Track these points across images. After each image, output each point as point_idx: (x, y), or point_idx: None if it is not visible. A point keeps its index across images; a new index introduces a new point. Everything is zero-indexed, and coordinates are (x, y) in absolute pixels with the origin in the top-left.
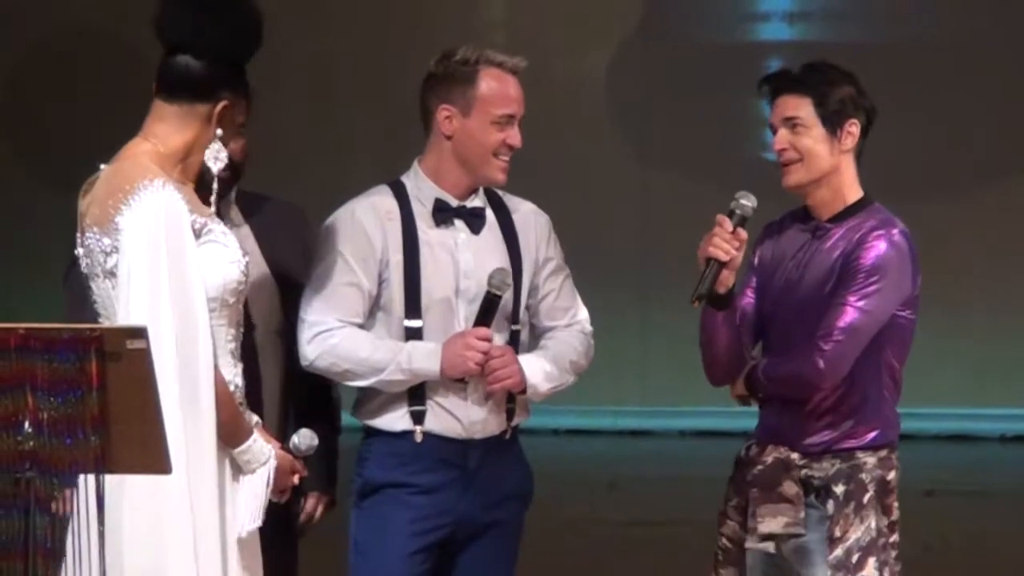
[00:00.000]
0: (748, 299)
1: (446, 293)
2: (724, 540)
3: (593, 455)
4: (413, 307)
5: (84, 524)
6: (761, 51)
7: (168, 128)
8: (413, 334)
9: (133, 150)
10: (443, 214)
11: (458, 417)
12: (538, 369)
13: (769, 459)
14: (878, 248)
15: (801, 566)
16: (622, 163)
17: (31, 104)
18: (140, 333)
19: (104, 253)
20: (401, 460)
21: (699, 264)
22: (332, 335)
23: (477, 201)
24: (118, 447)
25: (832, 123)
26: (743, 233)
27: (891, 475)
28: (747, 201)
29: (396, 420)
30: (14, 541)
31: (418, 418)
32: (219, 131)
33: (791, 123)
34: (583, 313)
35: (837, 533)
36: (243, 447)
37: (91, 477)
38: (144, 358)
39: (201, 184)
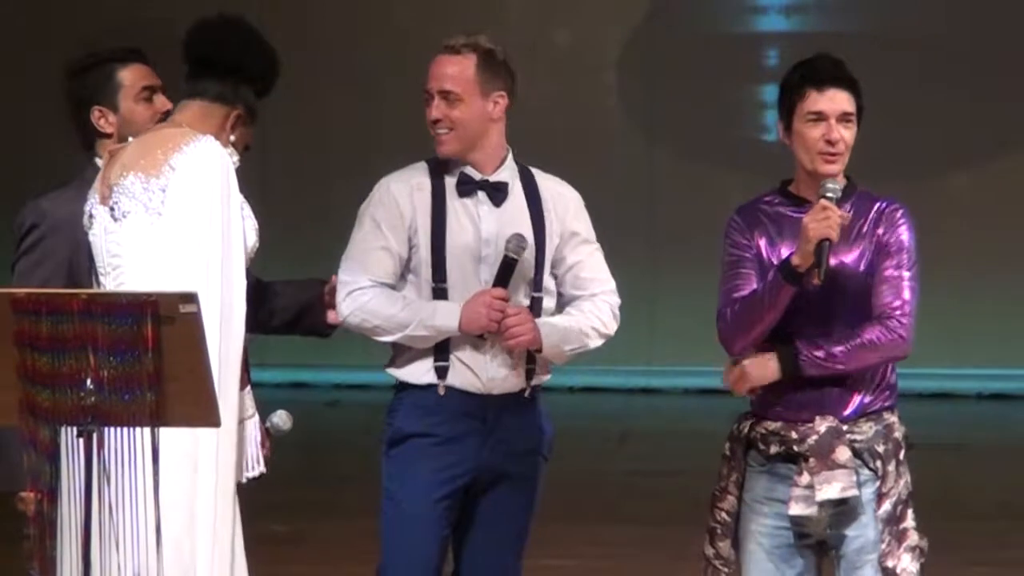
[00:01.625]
0: (751, 274)
1: (469, 258)
2: (723, 515)
3: (604, 411)
4: (439, 270)
5: (141, 471)
6: (759, 41)
7: (191, 118)
8: (439, 294)
9: (167, 127)
10: (466, 187)
11: (477, 373)
12: (556, 330)
13: (822, 428)
14: (909, 225)
15: (851, 528)
16: (631, 140)
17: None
18: (192, 298)
19: (150, 193)
20: (426, 411)
21: (807, 244)
22: (364, 293)
23: (503, 175)
24: (172, 403)
25: (860, 117)
26: (847, 214)
27: (903, 430)
28: (836, 185)
29: (422, 374)
30: (75, 489)
31: (441, 373)
32: (232, 137)
33: (846, 118)
34: (610, 285)
35: (884, 489)
36: (244, 391)
37: (147, 430)
38: (195, 321)
39: None
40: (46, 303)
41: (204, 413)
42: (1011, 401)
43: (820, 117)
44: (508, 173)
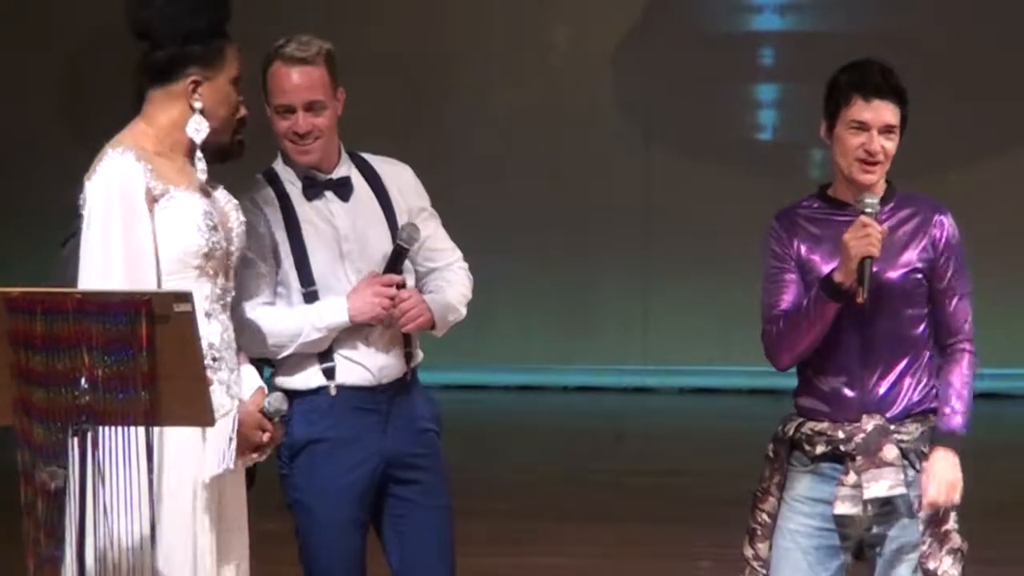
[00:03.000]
0: (794, 287)
1: (331, 257)
2: (764, 516)
3: (600, 410)
4: (306, 277)
5: (135, 472)
6: (754, 40)
7: (154, 109)
8: (311, 298)
9: (128, 127)
10: (312, 190)
11: (366, 366)
12: (439, 305)
13: (869, 427)
14: (955, 229)
15: (891, 526)
16: (627, 138)
17: (92, 91)
18: (186, 298)
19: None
20: (320, 415)
21: (849, 263)
22: (253, 311)
23: (342, 171)
24: (166, 402)
25: (903, 127)
26: (885, 229)
27: None
28: (872, 199)
29: (310, 378)
30: (70, 487)
31: (329, 374)
32: (198, 105)
33: (889, 130)
34: (458, 252)
35: None
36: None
37: (141, 429)
38: (189, 320)
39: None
40: (40, 302)
41: (198, 412)
42: (1007, 400)
43: (863, 127)
44: (346, 167)
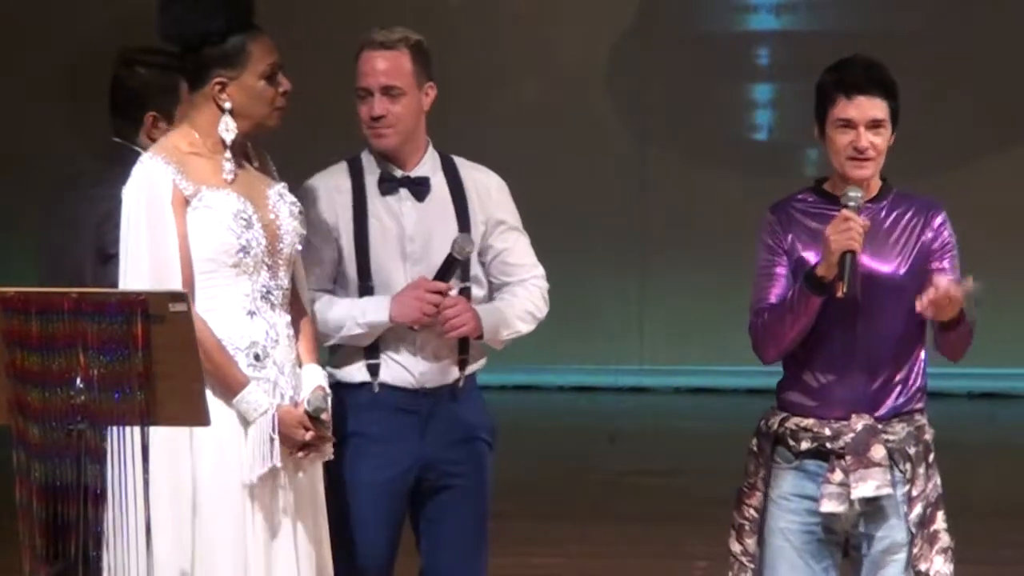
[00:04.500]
0: (783, 280)
1: (393, 256)
2: (751, 511)
3: (595, 410)
4: (364, 271)
5: (130, 472)
6: (750, 40)
7: (193, 111)
8: (366, 293)
9: (175, 129)
10: (387, 184)
11: (409, 369)
12: (493, 317)
13: (859, 426)
14: (950, 228)
15: (878, 528)
16: (623, 139)
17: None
18: (181, 297)
19: None
20: (360, 409)
21: (831, 257)
22: (313, 304)
23: (424, 170)
24: (162, 402)
25: (894, 123)
26: (867, 223)
27: (932, 432)
28: (856, 193)
29: (355, 372)
30: (67, 487)
31: (373, 371)
32: (227, 105)
33: (876, 124)
34: (539, 270)
35: (914, 492)
36: (237, 398)
37: (136, 429)
38: (185, 320)
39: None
40: (36, 302)
41: (194, 412)
42: (1002, 400)
43: (849, 124)
44: (429, 167)
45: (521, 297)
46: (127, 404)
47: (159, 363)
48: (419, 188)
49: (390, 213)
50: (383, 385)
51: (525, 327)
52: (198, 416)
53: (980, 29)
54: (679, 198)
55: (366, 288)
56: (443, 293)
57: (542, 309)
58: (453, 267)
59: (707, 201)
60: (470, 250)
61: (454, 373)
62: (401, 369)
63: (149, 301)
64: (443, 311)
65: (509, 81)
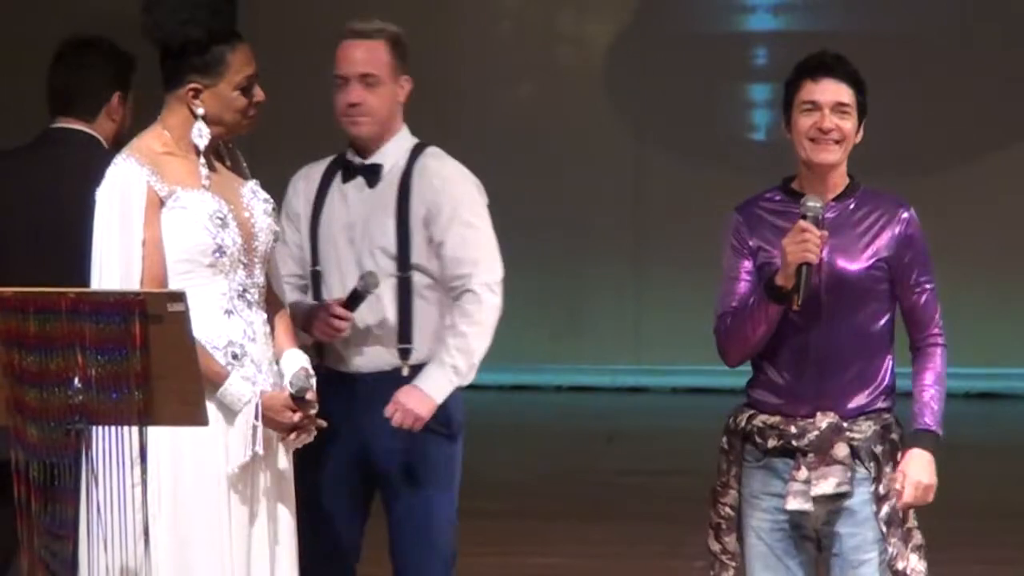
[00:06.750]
0: (746, 283)
1: (339, 240)
2: (727, 509)
3: (592, 410)
4: (314, 255)
5: (128, 471)
6: (748, 40)
7: (167, 111)
8: (316, 277)
9: (148, 129)
10: (347, 172)
11: (343, 354)
12: (443, 380)
13: (823, 424)
14: (917, 225)
15: (846, 526)
16: (619, 140)
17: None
18: (180, 297)
19: None
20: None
21: (787, 268)
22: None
23: (380, 158)
24: (160, 401)
25: (861, 115)
26: (825, 234)
27: (900, 431)
28: (815, 203)
29: (312, 353)
30: (65, 486)
31: (320, 353)
32: (200, 111)
33: (841, 108)
34: (478, 272)
35: (882, 491)
36: (221, 390)
37: (135, 428)
38: (183, 320)
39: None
40: (33, 302)
41: (192, 412)
42: (999, 400)
43: (815, 107)
44: (390, 156)
45: (448, 343)
46: (125, 404)
47: (157, 363)
48: (370, 175)
49: (342, 199)
50: (328, 368)
51: (466, 361)
52: (196, 416)
53: (978, 29)
54: (676, 198)
55: (315, 273)
56: (345, 319)
57: (478, 324)
58: (358, 299)
59: (704, 201)
60: (375, 285)
61: (393, 360)
62: (338, 352)
63: (147, 301)
64: (388, 414)
65: (507, 81)
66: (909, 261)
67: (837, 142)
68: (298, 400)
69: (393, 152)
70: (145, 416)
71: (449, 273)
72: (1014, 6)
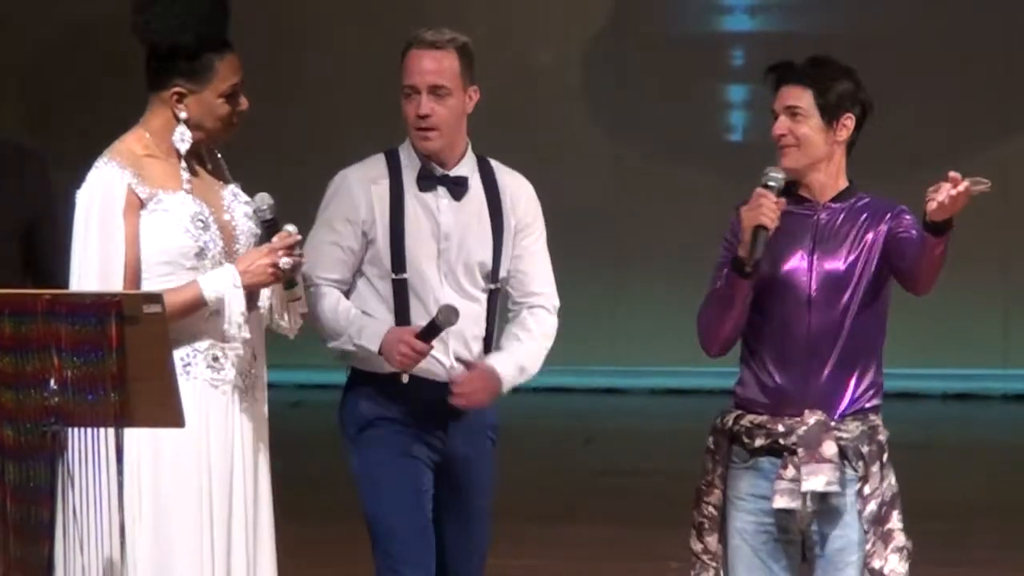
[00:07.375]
0: None
1: (427, 250)
2: (711, 509)
3: (570, 411)
4: (398, 263)
5: (104, 472)
6: (725, 41)
7: (150, 113)
8: (399, 285)
9: (129, 131)
10: (426, 181)
11: (441, 361)
12: (513, 367)
13: (811, 421)
14: (910, 215)
15: (831, 526)
16: (597, 140)
17: (58, 89)
18: (156, 299)
19: None
20: (389, 399)
21: (743, 234)
22: (317, 291)
23: (463, 171)
24: (136, 403)
25: (829, 115)
26: (783, 201)
27: (887, 433)
28: (777, 174)
29: (384, 363)
30: (41, 488)
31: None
32: (182, 115)
33: (792, 111)
34: (550, 298)
35: (867, 491)
36: (204, 295)
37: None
38: (159, 321)
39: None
40: (9, 303)
41: (168, 413)
42: (976, 401)
43: (775, 114)
44: (468, 168)
45: (534, 332)
46: (101, 405)
47: (133, 364)
48: (458, 187)
49: (426, 209)
50: (413, 377)
51: (532, 367)
52: (173, 417)
53: (955, 29)
54: (653, 199)
55: (400, 281)
56: (422, 353)
57: (548, 339)
58: (435, 331)
59: (681, 202)
60: (454, 321)
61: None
62: (433, 361)
63: (124, 302)
64: (457, 387)
65: (482, 83)
66: (905, 227)
67: (792, 146)
68: (267, 224)
69: (470, 164)
70: (121, 418)
71: (525, 288)
72: (990, 6)
